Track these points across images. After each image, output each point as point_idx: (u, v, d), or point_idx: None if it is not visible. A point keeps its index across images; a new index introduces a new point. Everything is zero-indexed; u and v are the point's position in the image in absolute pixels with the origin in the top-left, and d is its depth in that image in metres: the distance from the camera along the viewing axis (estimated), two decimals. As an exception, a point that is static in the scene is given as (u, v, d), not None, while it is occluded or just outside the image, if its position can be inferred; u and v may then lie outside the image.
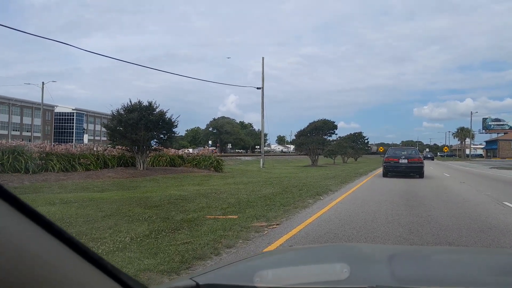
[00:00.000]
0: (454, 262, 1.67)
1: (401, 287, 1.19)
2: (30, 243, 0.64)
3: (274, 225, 5.90)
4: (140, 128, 17.89)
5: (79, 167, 16.87)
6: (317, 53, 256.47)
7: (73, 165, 16.79)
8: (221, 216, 6.39)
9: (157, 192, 10.63)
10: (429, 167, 32.91)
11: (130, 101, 18.26)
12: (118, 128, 18.30)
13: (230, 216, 6.36)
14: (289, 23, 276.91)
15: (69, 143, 19.94)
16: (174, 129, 19.41)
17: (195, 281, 1.13)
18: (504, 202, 9.12)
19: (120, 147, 19.31)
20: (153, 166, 20.99)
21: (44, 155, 15.86)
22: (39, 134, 78.35)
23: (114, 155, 19.79)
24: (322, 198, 9.55)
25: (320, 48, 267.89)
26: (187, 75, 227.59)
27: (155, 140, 19.12)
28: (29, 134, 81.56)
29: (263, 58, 33.07)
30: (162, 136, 19.41)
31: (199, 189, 11.41)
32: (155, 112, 18.41)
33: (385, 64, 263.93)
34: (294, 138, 40.92)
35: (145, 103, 18.41)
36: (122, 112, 18.11)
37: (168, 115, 18.79)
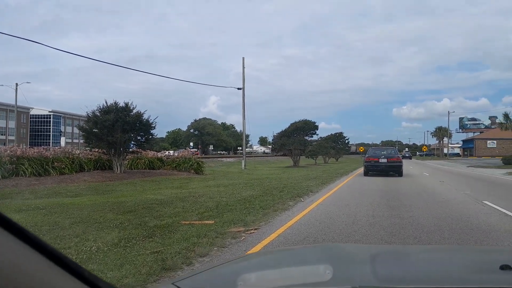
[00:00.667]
0: (435, 261, 1.66)
1: (384, 286, 1.17)
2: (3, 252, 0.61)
3: (252, 230, 5.63)
4: (116, 130, 17.37)
5: (52, 171, 16.25)
6: (298, 55, 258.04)
7: (46, 169, 16.16)
8: (196, 222, 6.09)
9: (133, 196, 10.24)
10: (408, 166, 33.31)
11: (106, 102, 17.73)
12: (93, 130, 17.73)
13: (206, 222, 6.07)
14: (270, 24, 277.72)
15: (44, 146, 19.17)
16: (152, 131, 18.94)
17: (177, 286, 1.10)
18: (484, 201, 9.12)
19: (96, 150, 18.74)
20: (131, 169, 20.46)
21: (15, 159, 15.21)
22: (14, 137, 76.13)
23: (90, 158, 19.22)
24: (302, 200, 9.34)
25: (300, 50, 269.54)
26: (168, 76, 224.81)
27: (132, 142, 18.63)
28: (3, 137, 79.11)
29: (243, 58, 32.87)
30: (140, 138, 18.92)
31: (177, 193, 11.06)
32: (132, 114, 17.91)
33: (365, 65, 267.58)
34: (273, 139, 40.84)
35: (121, 104, 17.90)
36: (98, 114, 17.55)
37: (145, 116, 18.33)
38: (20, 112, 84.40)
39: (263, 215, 6.91)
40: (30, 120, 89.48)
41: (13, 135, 79.22)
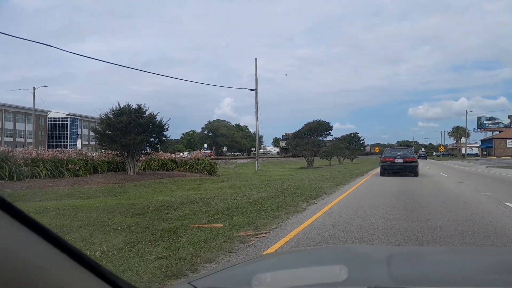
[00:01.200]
0: (452, 262, 1.64)
1: (400, 287, 1.16)
2: (23, 249, 0.63)
3: (262, 234, 5.41)
4: (129, 132, 17.42)
5: (67, 173, 16.39)
6: (311, 55, 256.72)
7: (60, 171, 16.31)
8: (205, 225, 5.91)
9: (144, 198, 10.14)
10: (425, 166, 32.65)
11: (119, 104, 17.78)
12: (107, 132, 17.80)
13: (215, 225, 5.89)
14: (282, 25, 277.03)
15: (59, 149, 19.32)
16: (165, 133, 18.93)
17: (193, 286, 1.11)
18: (506, 203, 8.70)
19: (110, 152, 18.87)
20: (145, 171, 20.53)
21: (29, 161, 15.37)
22: (31, 140, 77.73)
23: (104, 160, 19.40)
24: (316, 202, 9.06)
25: (313, 50, 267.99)
26: (182, 78, 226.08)
27: (146, 144, 18.62)
28: (22, 140, 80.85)
29: (256, 59, 32.69)
30: (153, 139, 18.92)
31: (189, 195, 10.94)
32: (144, 115, 17.92)
33: (379, 65, 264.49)
34: (281, 139, 40.63)
35: (134, 106, 17.93)
36: (111, 116, 17.61)
37: (158, 118, 18.33)
38: (39, 115, 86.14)
39: (274, 218, 6.68)
40: (48, 123, 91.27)
41: (31, 138, 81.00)
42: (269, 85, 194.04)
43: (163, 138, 19.01)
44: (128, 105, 17.83)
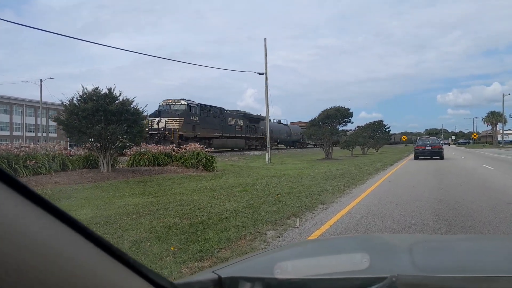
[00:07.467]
0: (478, 250, 1.59)
1: (423, 275, 1.10)
2: (56, 241, 0.62)
3: None
4: (99, 121, 14.45)
5: (24, 171, 13.60)
6: (335, 44, 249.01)
7: (15, 168, 13.50)
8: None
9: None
10: (460, 156, 28.83)
11: (84, 88, 14.71)
12: (74, 121, 14.85)
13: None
14: (306, 15, 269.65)
15: (8, 143, 16.74)
16: (143, 121, 15.81)
17: (217, 274, 1.12)
18: None
19: (83, 146, 16.12)
20: (133, 166, 17.67)
21: (-31, 158, 12.64)
22: (55, 135, 77.36)
23: (80, 154, 16.70)
24: (297, 225, 5.38)
25: (337, 39, 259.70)
26: (204, 72, 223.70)
27: (120, 135, 15.53)
28: (45, 134, 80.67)
29: (265, 39, 29.21)
30: (130, 129, 15.84)
31: (127, 206, 7.73)
32: (116, 102, 14.83)
33: (405, 53, 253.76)
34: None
35: (104, 90, 14.86)
36: (76, 103, 14.62)
37: (133, 104, 15.18)
38: (60, 109, 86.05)
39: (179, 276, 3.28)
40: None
41: (53, 133, 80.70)
42: (292, 76, 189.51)
43: (141, 128, 15.86)
44: (95, 89, 14.77)
